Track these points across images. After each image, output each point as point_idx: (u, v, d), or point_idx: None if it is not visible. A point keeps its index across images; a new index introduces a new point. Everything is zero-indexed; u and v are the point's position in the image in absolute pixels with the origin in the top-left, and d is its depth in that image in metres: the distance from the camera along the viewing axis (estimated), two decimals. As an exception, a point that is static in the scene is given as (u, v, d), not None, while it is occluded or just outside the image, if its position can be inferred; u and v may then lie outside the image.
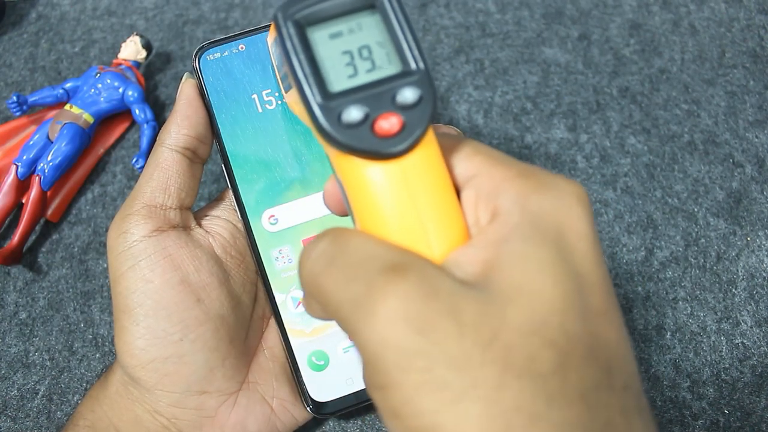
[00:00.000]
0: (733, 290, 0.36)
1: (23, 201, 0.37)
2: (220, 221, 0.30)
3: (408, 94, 0.20)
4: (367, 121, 0.20)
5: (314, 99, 0.20)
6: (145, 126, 0.39)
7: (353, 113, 0.20)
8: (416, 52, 0.21)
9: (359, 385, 0.29)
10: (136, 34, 0.41)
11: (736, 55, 0.44)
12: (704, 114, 0.41)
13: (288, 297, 0.29)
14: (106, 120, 0.41)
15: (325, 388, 0.29)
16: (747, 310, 0.36)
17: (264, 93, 0.29)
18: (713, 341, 0.35)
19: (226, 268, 0.29)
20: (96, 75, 0.39)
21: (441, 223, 0.20)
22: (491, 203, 0.20)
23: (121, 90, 0.39)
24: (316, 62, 0.21)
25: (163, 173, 0.27)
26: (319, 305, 0.20)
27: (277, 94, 0.30)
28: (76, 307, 0.36)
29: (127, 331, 0.26)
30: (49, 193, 0.38)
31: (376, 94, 0.20)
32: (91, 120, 0.38)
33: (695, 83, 0.43)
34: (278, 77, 0.26)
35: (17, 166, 0.37)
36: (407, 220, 0.20)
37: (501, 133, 0.41)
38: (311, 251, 0.20)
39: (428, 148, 0.21)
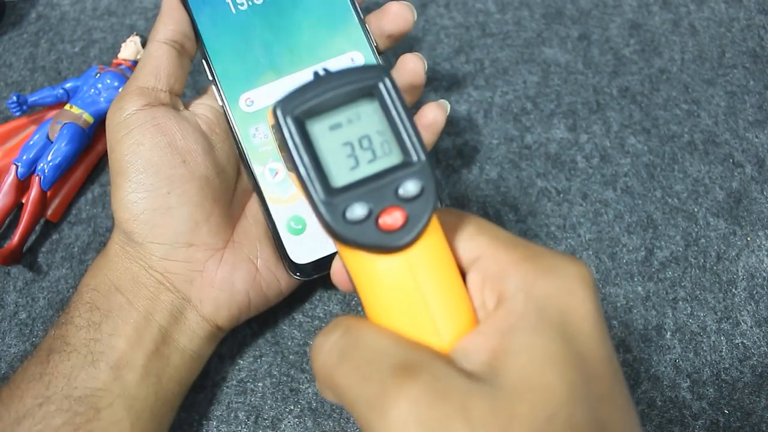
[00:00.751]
0: (733, 290, 0.36)
1: (23, 201, 0.37)
2: (205, 106, 0.33)
3: (410, 187, 0.21)
4: (371, 216, 0.20)
5: (318, 197, 0.20)
6: (145, 126, 0.39)
7: (357, 210, 0.20)
8: (416, 142, 0.21)
9: (335, 248, 0.31)
10: (136, 34, 0.41)
11: (736, 55, 0.44)
12: (704, 114, 0.41)
13: (266, 169, 0.33)
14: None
15: (303, 250, 0.32)
16: (747, 310, 0.36)
17: None
18: (713, 341, 0.35)
19: (211, 141, 0.32)
20: (96, 75, 0.39)
21: (448, 312, 0.21)
22: (497, 287, 0.21)
23: (121, 90, 0.39)
24: (318, 156, 0.21)
25: (154, 61, 0.31)
26: (332, 394, 0.21)
27: None
28: (76, 307, 0.36)
29: (121, 188, 0.30)
30: (49, 193, 0.38)
31: (379, 188, 0.21)
32: (91, 120, 0.38)
33: (695, 83, 0.43)
34: (278, 151, 0.27)
35: (17, 166, 0.37)
36: (415, 311, 0.21)
37: (501, 133, 0.41)
38: (324, 344, 0.21)
39: (432, 237, 0.21)
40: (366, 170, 0.21)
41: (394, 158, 0.21)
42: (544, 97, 0.42)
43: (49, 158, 0.37)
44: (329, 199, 0.20)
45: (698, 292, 0.36)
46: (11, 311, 0.36)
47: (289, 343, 0.35)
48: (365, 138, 0.22)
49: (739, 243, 0.37)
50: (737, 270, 0.37)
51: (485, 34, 0.44)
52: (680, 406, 0.33)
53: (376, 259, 0.21)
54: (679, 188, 0.39)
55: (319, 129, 0.21)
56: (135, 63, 0.41)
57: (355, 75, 0.21)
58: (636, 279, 0.37)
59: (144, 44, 0.41)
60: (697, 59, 0.43)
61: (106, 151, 0.40)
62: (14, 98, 0.39)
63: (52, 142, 0.37)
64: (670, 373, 0.34)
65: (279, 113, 0.21)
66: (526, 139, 0.41)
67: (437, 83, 0.42)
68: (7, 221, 0.38)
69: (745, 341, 0.35)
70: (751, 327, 0.35)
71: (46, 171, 0.37)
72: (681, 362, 0.34)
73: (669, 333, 0.35)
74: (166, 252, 0.30)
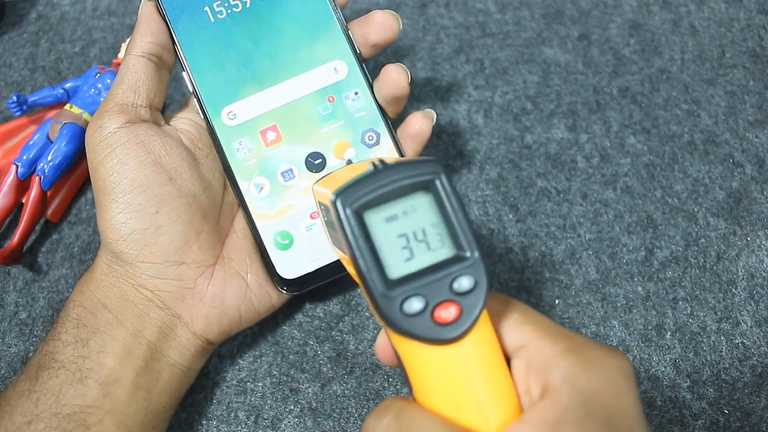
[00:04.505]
0: (733, 290, 0.36)
1: (23, 201, 0.37)
2: (186, 120, 0.33)
3: (464, 282, 0.22)
4: (427, 309, 0.21)
5: (376, 289, 0.21)
6: (145, 126, 0.39)
7: (414, 305, 0.21)
8: (470, 238, 0.22)
9: (323, 262, 0.32)
10: (136, 34, 0.41)
11: (736, 55, 0.44)
12: (704, 114, 0.41)
13: (251, 184, 0.32)
14: (106, 120, 0.41)
15: (291, 265, 0.32)
16: (747, 310, 0.36)
17: (215, 5, 0.32)
18: (713, 341, 0.35)
19: (196, 157, 0.32)
20: (96, 75, 0.39)
21: (496, 400, 0.22)
22: (542, 377, 0.22)
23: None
24: (375, 248, 0.22)
25: (132, 76, 0.30)
26: None
27: (227, 4, 0.32)
28: (76, 307, 0.36)
29: (108, 209, 0.29)
30: (49, 193, 0.38)
31: (434, 282, 0.22)
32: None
33: (695, 83, 0.43)
34: (324, 226, 0.28)
35: (17, 166, 0.37)
36: (464, 398, 0.22)
37: (501, 133, 0.41)
38: (376, 426, 0.22)
39: (482, 327, 0.22)
40: (421, 262, 0.22)
41: (447, 251, 0.22)
42: (544, 97, 0.42)
43: (49, 158, 0.37)
44: (387, 292, 0.21)
45: (698, 292, 0.36)
46: (11, 311, 0.36)
47: (289, 343, 0.35)
48: (420, 230, 0.22)
49: (739, 243, 0.37)
50: (737, 270, 0.37)
51: (485, 34, 0.44)
52: (680, 406, 0.33)
53: (429, 349, 0.22)
54: (679, 188, 0.39)
55: (376, 220, 0.22)
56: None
57: (411, 169, 0.22)
58: (636, 279, 0.37)
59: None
60: (697, 59, 0.43)
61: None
62: (14, 98, 0.39)
63: (52, 142, 0.37)
64: (670, 373, 0.34)
65: (339, 205, 0.22)
66: (526, 139, 0.41)
67: (437, 83, 0.42)
68: (7, 221, 0.38)
69: (745, 341, 0.35)
70: (751, 327, 0.35)
71: (46, 171, 0.37)
72: (681, 362, 0.34)
73: (669, 333, 0.35)
74: (157, 271, 0.29)
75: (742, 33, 0.44)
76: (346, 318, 0.36)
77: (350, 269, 0.24)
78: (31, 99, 0.40)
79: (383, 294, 0.21)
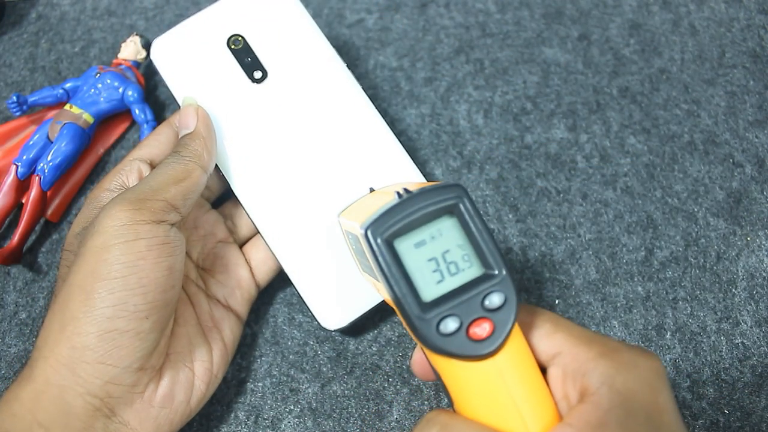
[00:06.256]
0: (733, 290, 0.36)
1: (23, 201, 0.37)
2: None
3: (495, 299, 0.23)
4: (462, 328, 0.23)
5: (412, 312, 0.23)
6: (145, 126, 0.39)
7: (450, 325, 0.23)
8: (497, 256, 0.23)
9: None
10: (136, 34, 0.41)
11: (736, 55, 0.44)
12: (704, 114, 0.41)
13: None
14: (106, 120, 0.41)
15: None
16: (747, 310, 0.36)
17: None
18: (713, 341, 0.35)
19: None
20: (96, 75, 0.39)
21: (535, 407, 0.23)
22: (578, 382, 0.23)
23: (121, 90, 0.39)
24: (407, 273, 0.23)
25: (191, 185, 0.29)
26: None
27: None
28: (76, 307, 0.36)
29: (98, 298, 0.26)
30: (49, 193, 0.38)
31: (466, 301, 0.23)
32: (91, 120, 0.38)
33: (695, 83, 0.43)
34: (353, 254, 0.29)
35: (17, 166, 0.37)
36: (504, 408, 0.23)
37: (501, 133, 0.41)
38: None
39: (515, 339, 0.23)
40: (451, 283, 0.23)
41: (475, 270, 0.23)
42: (544, 97, 0.42)
43: (49, 158, 0.37)
44: (422, 315, 0.22)
45: (698, 292, 0.36)
46: (11, 311, 0.36)
47: (289, 343, 0.35)
48: (448, 252, 0.24)
49: (739, 243, 0.37)
50: (737, 270, 0.37)
51: (485, 34, 0.44)
52: (680, 406, 0.33)
53: (466, 364, 0.23)
54: (679, 188, 0.39)
55: (405, 247, 0.23)
56: (135, 63, 0.41)
57: (435, 195, 0.23)
58: (636, 279, 0.37)
59: (144, 45, 0.41)
60: (697, 59, 0.43)
61: (106, 151, 0.41)
62: (14, 98, 0.39)
63: (52, 142, 0.37)
64: (670, 373, 0.34)
65: (370, 236, 0.23)
66: (526, 139, 0.41)
67: (437, 83, 0.42)
68: (7, 221, 0.38)
69: (745, 341, 0.35)
70: (751, 327, 0.35)
71: (46, 171, 0.37)
72: (681, 362, 0.34)
73: (669, 333, 0.35)
74: (115, 376, 0.26)
75: (742, 33, 0.44)
76: (346, 318, 0.36)
77: (384, 295, 0.25)
78: (31, 99, 0.40)
79: (419, 317, 0.22)
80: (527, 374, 0.23)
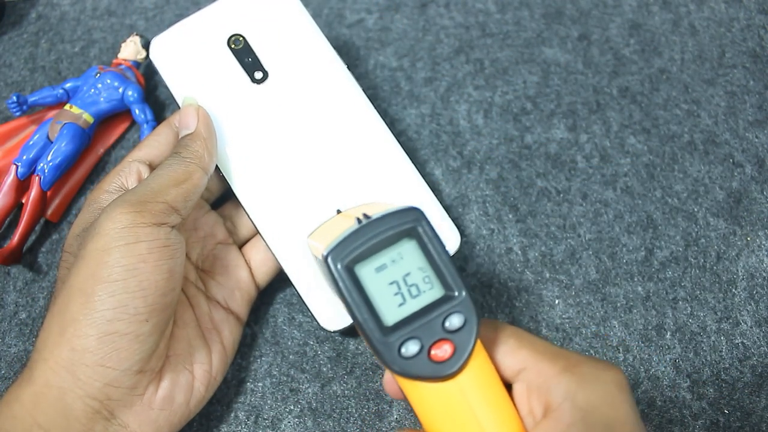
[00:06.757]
0: (733, 290, 0.36)
1: (23, 201, 0.37)
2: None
3: (455, 321, 0.23)
4: (423, 350, 0.23)
5: (374, 336, 0.23)
6: (145, 126, 0.39)
7: (411, 348, 0.23)
8: (456, 278, 0.24)
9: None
10: (136, 34, 0.41)
11: (736, 55, 0.44)
12: (704, 114, 0.41)
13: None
14: (106, 120, 0.41)
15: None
16: (747, 310, 0.36)
17: None
18: (713, 341, 0.35)
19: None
20: (96, 75, 0.39)
21: (498, 426, 0.23)
22: (543, 397, 0.24)
23: (121, 90, 0.39)
24: (369, 298, 0.23)
25: (191, 186, 0.29)
26: None
27: None
28: (76, 307, 0.36)
29: (98, 300, 0.26)
30: (49, 193, 0.38)
31: (427, 323, 0.23)
32: (91, 120, 0.38)
33: (695, 83, 0.43)
34: (322, 276, 0.29)
35: (17, 166, 0.37)
36: (468, 427, 0.23)
37: (501, 133, 0.41)
38: None
39: (477, 359, 0.24)
40: (413, 306, 0.24)
41: (436, 292, 0.24)
42: (544, 97, 0.42)
43: (49, 158, 0.37)
44: (384, 339, 0.23)
45: (698, 292, 0.36)
46: (11, 311, 0.36)
47: (289, 343, 0.35)
48: (409, 275, 0.24)
49: (739, 243, 0.37)
50: (737, 270, 0.37)
51: (485, 34, 0.44)
52: (680, 406, 0.33)
53: (430, 385, 0.23)
54: (679, 188, 0.39)
55: (366, 272, 0.24)
56: (135, 63, 0.41)
57: (394, 219, 0.24)
58: (636, 279, 0.37)
59: (144, 45, 0.41)
60: (697, 59, 0.43)
61: (106, 151, 0.41)
62: (14, 98, 0.39)
63: (52, 142, 0.37)
64: (670, 373, 0.34)
65: (330, 262, 0.23)
66: (526, 139, 0.41)
67: (437, 83, 0.42)
68: (7, 221, 0.38)
69: (745, 341, 0.35)
70: (751, 327, 0.35)
71: (46, 171, 0.37)
72: (681, 362, 0.34)
73: (669, 333, 0.35)
74: (114, 378, 0.26)
75: (742, 33, 0.44)
76: (346, 318, 0.36)
77: (353, 320, 0.25)
78: (31, 99, 0.40)
79: (380, 341, 0.23)
80: (491, 392, 0.24)
